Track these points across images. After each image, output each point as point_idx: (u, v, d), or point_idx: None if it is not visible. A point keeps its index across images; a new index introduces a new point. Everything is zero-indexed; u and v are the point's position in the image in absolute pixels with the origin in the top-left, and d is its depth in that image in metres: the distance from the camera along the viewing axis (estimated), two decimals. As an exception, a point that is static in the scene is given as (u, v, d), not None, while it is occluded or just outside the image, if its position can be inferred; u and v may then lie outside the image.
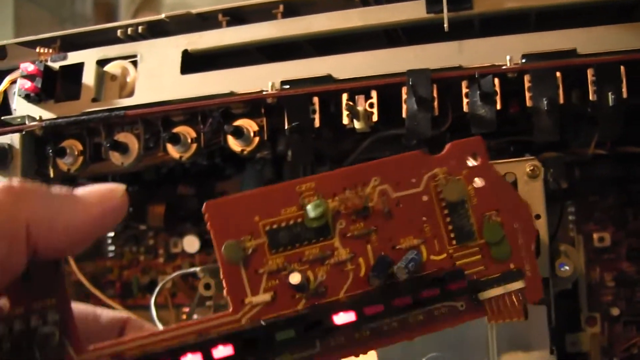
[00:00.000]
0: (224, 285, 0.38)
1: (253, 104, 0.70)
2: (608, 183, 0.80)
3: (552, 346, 0.68)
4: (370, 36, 0.73)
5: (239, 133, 0.69)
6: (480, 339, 0.70)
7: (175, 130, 0.72)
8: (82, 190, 0.35)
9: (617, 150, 0.74)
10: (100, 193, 0.35)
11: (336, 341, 0.38)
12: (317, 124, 0.68)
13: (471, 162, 0.40)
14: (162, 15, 0.77)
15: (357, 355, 0.39)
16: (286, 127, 0.68)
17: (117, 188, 0.36)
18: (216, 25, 0.76)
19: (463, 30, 0.69)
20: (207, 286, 0.80)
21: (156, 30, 0.78)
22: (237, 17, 0.76)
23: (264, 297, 0.38)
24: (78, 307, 0.38)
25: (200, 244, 0.87)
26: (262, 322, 0.37)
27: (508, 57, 0.64)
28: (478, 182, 0.39)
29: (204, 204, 0.38)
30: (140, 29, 0.78)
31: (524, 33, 0.66)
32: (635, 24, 0.64)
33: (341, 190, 0.39)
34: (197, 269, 0.82)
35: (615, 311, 0.78)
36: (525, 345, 0.69)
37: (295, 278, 0.37)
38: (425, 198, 0.39)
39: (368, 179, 0.39)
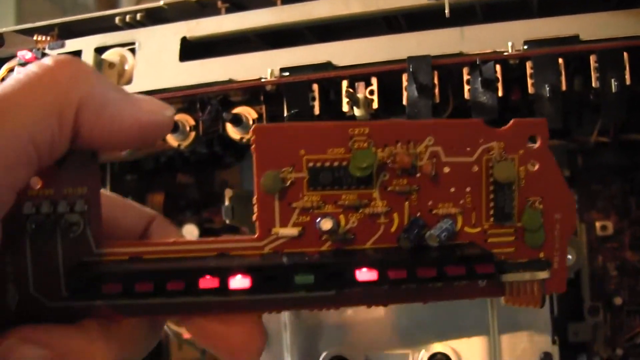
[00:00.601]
0: (255, 210, 0.37)
1: (252, 92, 0.70)
2: (611, 171, 0.79)
3: (555, 336, 0.68)
4: (370, 23, 0.73)
5: (237, 121, 0.68)
6: (481, 331, 0.70)
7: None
8: (135, 95, 0.35)
9: (620, 138, 0.73)
10: (153, 103, 0.35)
11: (352, 292, 0.38)
12: (316, 111, 0.67)
13: (530, 144, 0.39)
14: (161, 2, 0.76)
15: (369, 307, 0.39)
16: (285, 115, 0.67)
17: (168, 106, 0.36)
18: (215, 12, 0.76)
19: (465, 16, 0.68)
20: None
21: (155, 17, 0.77)
22: (236, 3, 0.76)
23: (291, 231, 0.38)
24: (108, 195, 0.39)
25: (199, 232, 0.86)
26: (285, 260, 0.36)
27: (510, 44, 0.64)
28: (532, 165, 0.39)
29: (253, 126, 0.38)
30: (138, 16, 0.77)
31: (526, 19, 0.66)
32: (638, 10, 0.63)
33: (393, 142, 0.38)
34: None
35: (618, 300, 0.78)
36: (528, 335, 0.69)
37: (326, 224, 0.37)
38: (475, 169, 0.39)
39: (423, 137, 0.38)
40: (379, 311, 0.72)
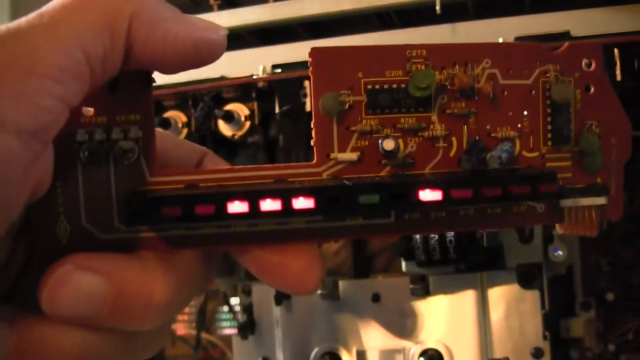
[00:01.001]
0: (313, 135, 0.37)
1: (244, 88, 0.70)
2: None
3: (546, 331, 0.68)
4: (363, 19, 0.73)
5: (229, 117, 0.69)
6: (473, 326, 0.70)
7: (166, 115, 0.71)
8: (188, 15, 0.34)
9: (612, 134, 0.73)
10: (206, 22, 0.34)
11: (411, 217, 0.37)
12: (308, 108, 0.67)
13: (585, 67, 0.39)
14: (154, 0, 0.76)
15: (427, 234, 0.38)
16: (277, 111, 0.67)
17: (220, 26, 0.34)
18: (208, 9, 0.76)
19: (457, 13, 0.69)
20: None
21: (147, 14, 0.77)
22: (228, 0, 0.76)
23: (350, 155, 0.37)
24: (160, 131, 0.37)
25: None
26: (347, 182, 0.35)
27: (501, 40, 0.64)
28: (588, 88, 0.38)
29: (311, 48, 0.37)
30: (131, 13, 0.77)
31: (518, 15, 0.66)
32: (629, 7, 0.63)
33: (451, 65, 0.37)
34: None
35: (610, 296, 0.78)
36: (519, 331, 0.69)
37: (389, 144, 0.36)
38: (532, 92, 0.38)
39: (480, 59, 0.38)
40: (370, 307, 0.72)
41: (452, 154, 0.38)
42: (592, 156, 0.38)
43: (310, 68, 0.37)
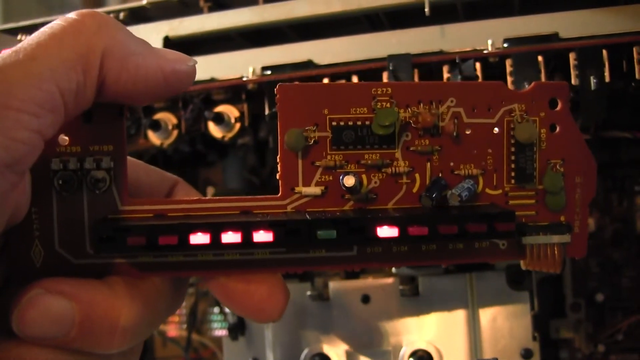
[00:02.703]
0: (279, 169, 0.38)
1: (234, 90, 0.70)
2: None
3: (535, 332, 0.68)
4: (353, 21, 0.73)
5: (219, 119, 0.69)
6: (463, 328, 0.70)
7: (156, 116, 0.71)
8: (158, 47, 0.36)
9: (601, 135, 0.73)
10: (176, 53, 0.36)
11: (373, 250, 0.38)
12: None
13: (551, 107, 0.39)
14: (144, 2, 0.76)
15: (390, 268, 0.39)
16: (267, 113, 0.67)
17: (189, 57, 0.36)
18: (197, 11, 0.76)
19: (447, 14, 0.69)
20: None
21: (137, 16, 0.78)
22: (218, 2, 0.76)
23: (314, 190, 0.38)
24: (132, 160, 0.39)
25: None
26: (307, 216, 0.36)
27: (490, 42, 0.64)
28: (554, 127, 0.39)
29: (278, 85, 0.38)
30: (121, 15, 0.77)
31: (507, 17, 0.66)
32: (617, 8, 0.63)
33: (415, 103, 0.38)
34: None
35: (600, 297, 0.78)
36: (509, 332, 0.69)
37: (349, 180, 0.37)
38: (496, 130, 0.39)
39: (445, 98, 0.38)
40: (360, 308, 0.72)
41: (415, 189, 0.39)
42: (556, 195, 0.39)
43: (277, 104, 0.38)
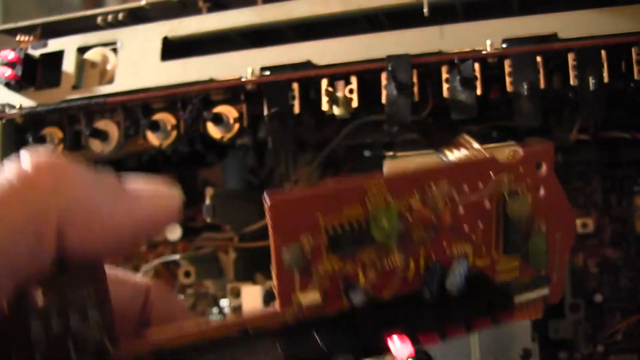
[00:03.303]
0: (275, 284, 0.36)
1: (233, 91, 0.70)
2: (591, 168, 0.80)
3: (534, 333, 0.68)
4: (352, 21, 0.73)
5: (218, 120, 0.69)
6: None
7: (155, 117, 0.71)
8: (132, 185, 0.31)
9: (600, 135, 0.73)
10: (153, 194, 0.31)
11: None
12: (296, 110, 0.67)
13: (536, 169, 0.38)
14: (143, 2, 0.76)
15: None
16: (265, 113, 0.67)
17: (173, 192, 0.32)
18: (196, 11, 0.76)
19: (446, 14, 0.69)
20: (187, 274, 0.80)
21: (136, 17, 0.78)
22: (217, 3, 0.76)
23: (314, 297, 0.36)
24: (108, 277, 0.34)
25: (181, 231, 0.86)
26: (321, 344, 0.35)
27: (488, 42, 0.64)
28: (539, 192, 0.38)
29: (268, 199, 0.34)
30: (120, 15, 0.77)
31: (506, 17, 0.66)
32: (616, 8, 0.63)
33: (409, 193, 0.37)
34: (178, 256, 0.81)
35: (599, 297, 0.78)
36: (507, 332, 0.69)
37: (357, 299, 0.36)
38: (487, 205, 0.38)
39: (437, 183, 0.37)
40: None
41: (410, 277, 0.37)
42: (539, 256, 0.39)
43: (270, 222, 0.35)
